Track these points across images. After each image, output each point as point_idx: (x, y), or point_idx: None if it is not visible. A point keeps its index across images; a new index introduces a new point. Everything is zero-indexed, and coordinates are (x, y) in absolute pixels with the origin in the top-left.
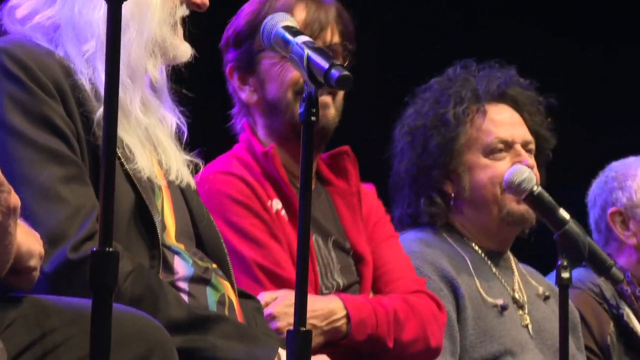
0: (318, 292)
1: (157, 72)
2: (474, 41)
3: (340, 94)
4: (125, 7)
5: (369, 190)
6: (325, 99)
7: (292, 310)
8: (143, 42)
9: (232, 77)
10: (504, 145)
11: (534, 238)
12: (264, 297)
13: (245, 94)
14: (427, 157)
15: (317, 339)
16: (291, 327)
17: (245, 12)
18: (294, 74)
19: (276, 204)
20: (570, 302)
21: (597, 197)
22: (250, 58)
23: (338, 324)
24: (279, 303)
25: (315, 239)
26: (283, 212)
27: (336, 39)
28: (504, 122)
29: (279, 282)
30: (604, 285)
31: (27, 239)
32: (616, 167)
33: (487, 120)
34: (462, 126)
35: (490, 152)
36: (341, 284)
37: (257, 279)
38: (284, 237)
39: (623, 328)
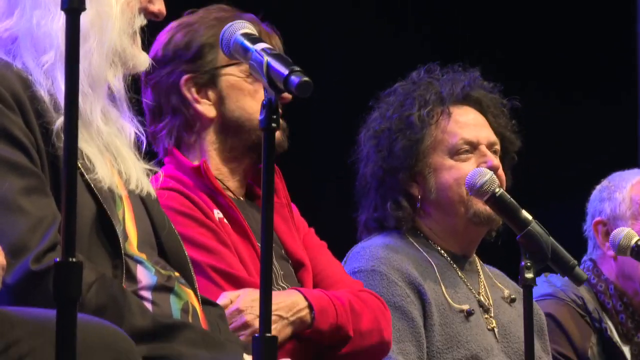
0: None
1: (117, 82)
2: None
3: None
4: (86, 17)
5: (293, 207)
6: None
7: (256, 304)
8: (104, 52)
9: (185, 89)
10: (469, 146)
11: (501, 240)
12: (226, 296)
13: (203, 107)
14: (393, 160)
15: (284, 331)
16: (257, 319)
17: (202, 27)
18: (261, 93)
19: (217, 214)
20: (535, 304)
21: (590, 205)
22: (212, 71)
23: (302, 313)
24: (243, 298)
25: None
26: (225, 221)
27: (279, 43)
28: (468, 123)
29: (235, 283)
30: (587, 297)
31: None
32: (613, 177)
33: (452, 122)
34: (427, 128)
35: (456, 153)
36: (286, 288)
37: (214, 282)
38: (231, 243)
39: (606, 342)
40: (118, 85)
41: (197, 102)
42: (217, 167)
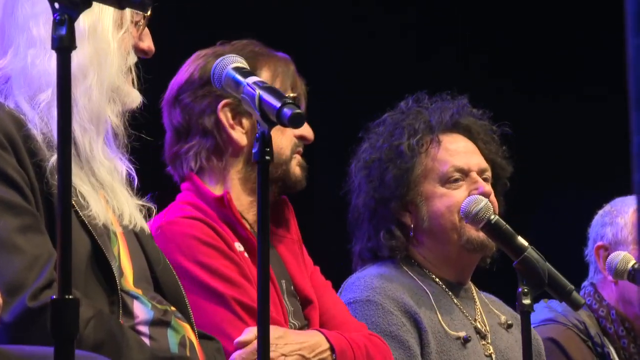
0: None
1: (115, 118)
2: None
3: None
4: (85, 54)
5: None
6: (299, 158)
7: (282, 341)
8: (103, 88)
9: (222, 113)
10: (460, 173)
11: (497, 266)
12: (251, 331)
13: (236, 134)
14: (384, 190)
15: None
16: (284, 357)
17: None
18: (294, 132)
19: (238, 246)
20: (533, 330)
21: (592, 229)
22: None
23: (324, 355)
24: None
25: (279, 282)
26: (246, 254)
27: (303, 87)
28: (458, 150)
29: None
30: (588, 322)
31: None
32: (615, 202)
33: (442, 150)
34: (417, 157)
35: (447, 181)
36: (296, 326)
37: (238, 315)
38: (252, 277)
39: None
40: (117, 121)
41: (232, 127)
42: (237, 197)
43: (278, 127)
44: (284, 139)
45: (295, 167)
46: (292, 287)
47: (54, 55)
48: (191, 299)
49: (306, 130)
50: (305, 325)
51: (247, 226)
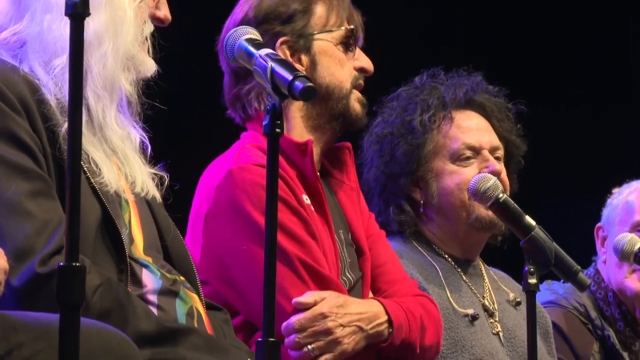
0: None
1: (130, 86)
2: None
3: None
4: (101, 21)
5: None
6: (358, 94)
7: (342, 311)
8: (119, 56)
9: (280, 51)
10: (471, 151)
11: (507, 244)
12: (312, 295)
13: None
14: (395, 165)
15: (360, 342)
16: (342, 327)
17: None
18: (350, 64)
19: (305, 199)
20: (540, 307)
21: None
22: (305, 36)
23: (381, 327)
24: (329, 302)
25: (337, 233)
26: (312, 208)
27: (359, 18)
28: (470, 128)
29: (322, 281)
30: (589, 304)
31: None
32: (624, 185)
33: (454, 127)
34: (429, 133)
35: (457, 158)
36: (352, 280)
37: (300, 276)
38: (319, 234)
39: (608, 349)
40: (131, 89)
41: None
42: (300, 135)
43: (338, 58)
44: (344, 72)
45: (355, 102)
46: (349, 236)
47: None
48: (254, 250)
49: (366, 62)
50: (360, 277)
51: (318, 175)
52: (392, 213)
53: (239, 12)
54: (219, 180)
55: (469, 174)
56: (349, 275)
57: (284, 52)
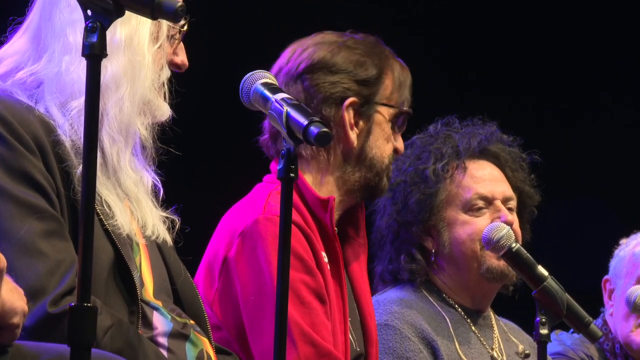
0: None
1: (145, 131)
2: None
3: None
4: (119, 65)
5: None
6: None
7: None
8: (135, 101)
9: (347, 110)
10: (483, 201)
11: (518, 294)
12: None
13: (352, 134)
14: (408, 213)
15: None
16: None
17: (374, 56)
18: (392, 142)
19: (324, 257)
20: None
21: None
22: (371, 104)
23: None
24: None
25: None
26: (328, 266)
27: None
28: (484, 178)
29: (315, 347)
30: (596, 356)
31: (11, 296)
32: (631, 236)
33: (467, 177)
34: (442, 182)
35: (470, 208)
36: (355, 338)
37: (292, 339)
38: (330, 295)
39: None
40: (146, 134)
41: (351, 127)
42: (329, 192)
43: (387, 134)
44: (387, 148)
45: (385, 178)
46: (352, 292)
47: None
48: (264, 303)
49: (401, 145)
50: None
51: (336, 233)
52: (403, 261)
53: (308, 50)
54: (244, 227)
55: (481, 224)
56: (354, 334)
57: (349, 113)
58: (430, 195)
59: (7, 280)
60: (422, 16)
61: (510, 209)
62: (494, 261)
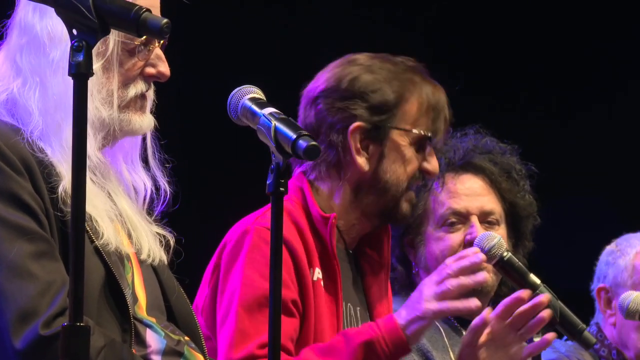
0: None
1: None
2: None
3: None
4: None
5: None
6: (412, 194)
7: None
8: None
9: (352, 136)
10: (457, 216)
11: None
12: None
13: (360, 160)
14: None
15: None
16: None
17: (393, 81)
18: (415, 165)
19: (317, 273)
20: None
21: (598, 266)
22: (384, 128)
23: None
24: None
25: (346, 309)
26: (322, 283)
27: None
28: (459, 193)
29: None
30: None
31: None
32: (621, 241)
33: (444, 192)
34: (421, 198)
35: (444, 223)
36: None
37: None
38: (317, 308)
39: None
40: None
41: (358, 152)
42: (344, 214)
43: (406, 157)
44: (405, 171)
45: (404, 202)
46: (367, 315)
47: (62, 80)
48: (234, 309)
49: (433, 166)
50: None
51: (339, 246)
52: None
53: (331, 74)
54: (233, 236)
55: (454, 240)
56: None
57: (354, 139)
58: None
59: None
60: (410, 17)
61: (490, 223)
62: None
